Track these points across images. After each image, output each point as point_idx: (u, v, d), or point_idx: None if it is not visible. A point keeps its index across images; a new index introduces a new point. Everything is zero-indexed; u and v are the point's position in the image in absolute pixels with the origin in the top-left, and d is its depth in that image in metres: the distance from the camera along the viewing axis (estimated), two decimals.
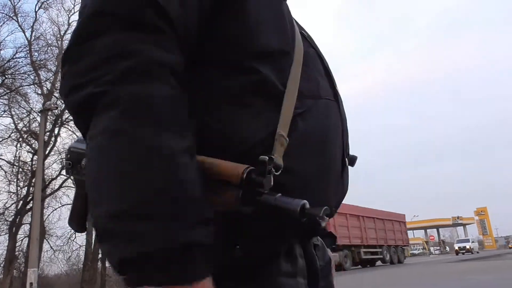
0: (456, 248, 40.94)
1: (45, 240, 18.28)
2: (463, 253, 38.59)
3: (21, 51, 18.72)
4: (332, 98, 0.76)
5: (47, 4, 19.47)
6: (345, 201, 0.88)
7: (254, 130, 0.62)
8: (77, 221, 0.62)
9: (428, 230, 48.62)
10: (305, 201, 0.55)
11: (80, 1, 0.64)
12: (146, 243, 0.46)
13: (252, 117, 0.63)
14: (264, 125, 0.62)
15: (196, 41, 0.62)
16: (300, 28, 0.81)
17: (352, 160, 0.90)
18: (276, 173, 0.58)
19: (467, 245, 40.26)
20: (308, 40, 0.79)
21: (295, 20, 0.82)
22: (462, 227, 45.26)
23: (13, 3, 18.41)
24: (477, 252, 40.29)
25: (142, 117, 0.49)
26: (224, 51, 0.66)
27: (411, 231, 50.60)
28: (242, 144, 0.61)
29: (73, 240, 18.48)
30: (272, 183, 0.56)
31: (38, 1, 19.09)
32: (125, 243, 0.46)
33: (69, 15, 20.23)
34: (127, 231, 0.46)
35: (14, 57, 18.29)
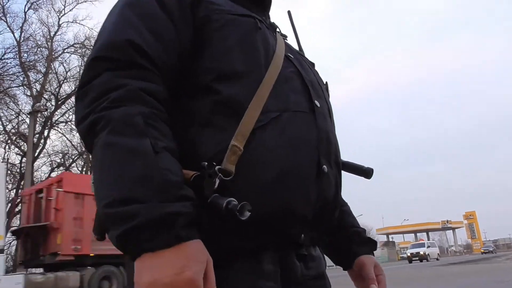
0: (409, 254, 32.94)
1: None
2: (420, 261, 30.69)
3: (9, 52, 18.58)
4: (305, 110, 0.82)
5: (37, 4, 19.37)
6: None
7: (213, 145, 0.73)
8: (99, 230, 0.71)
9: (418, 234, 49.04)
10: (241, 202, 0.64)
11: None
12: (134, 219, 0.58)
13: (213, 134, 0.74)
14: (223, 139, 0.72)
15: (179, 73, 0.78)
16: (288, 50, 0.91)
17: (367, 172, 1.01)
18: (226, 178, 0.68)
19: (421, 251, 31.73)
20: (292, 61, 0.89)
21: (287, 44, 0.96)
22: (451, 231, 45.77)
23: (1, 3, 18.22)
24: (437, 259, 31.78)
25: (125, 130, 0.64)
26: (192, 77, 0.79)
27: (401, 234, 51.01)
28: (203, 158, 0.71)
29: None
30: (215, 186, 0.67)
31: (27, 2, 18.97)
32: (119, 223, 0.59)
33: (59, 16, 20.14)
34: (119, 213, 0.59)
35: (3, 58, 18.15)
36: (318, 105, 0.85)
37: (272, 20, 1.01)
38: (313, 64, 1.06)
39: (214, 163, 0.68)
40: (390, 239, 49.67)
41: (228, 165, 0.70)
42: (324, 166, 0.80)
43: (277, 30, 1.00)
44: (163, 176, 0.61)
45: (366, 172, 1.01)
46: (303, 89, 0.85)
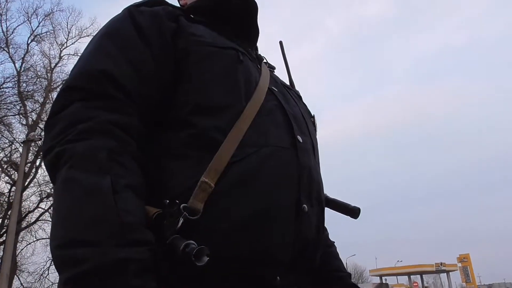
0: None
1: (16, 276, 17.41)
2: None
3: (9, 81, 18.67)
4: (286, 146, 0.78)
5: (40, 37, 19.68)
6: None
7: (184, 180, 0.69)
8: None
9: (412, 276, 48.05)
10: (208, 243, 0.60)
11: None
12: (84, 264, 0.54)
13: (185, 168, 0.70)
14: (194, 174, 0.68)
15: (157, 105, 0.75)
16: (273, 83, 0.88)
17: (354, 211, 0.95)
18: (192, 217, 0.63)
19: None
20: (275, 95, 0.85)
21: (272, 77, 0.92)
22: (445, 274, 44.95)
23: (5, 35, 18.56)
24: None
25: (86, 166, 0.61)
26: (168, 109, 0.76)
27: (395, 276, 49.94)
28: (172, 193, 0.67)
29: (46, 277, 17.65)
30: (178, 226, 0.62)
31: (31, 34, 19.30)
32: (68, 267, 0.55)
33: (61, 49, 20.45)
34: (69, 257, 0.55)
35: (1, 87, 18.21)
36: (301, 141, 0.81)
37: (263, 51, 1.01)
38: (300, 97, 1.03)
39: (177, 201, 0.64)
40: (384, 281, 48.57)
41: (196, 203, 0.65)
42: (305, 205, 0.76)
43: (264, 61, 0.98)
44: (119, 218, 0.58)
45: (353, 211, 0.96)
46: (286, 124, 0.82)
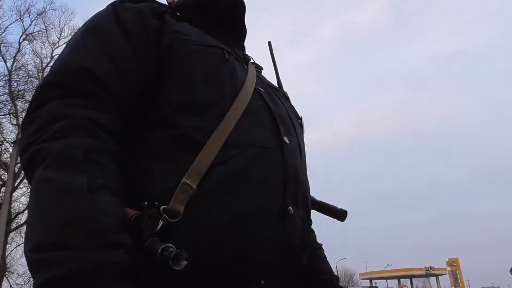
0: None
1: (5, 277, 17.18)
2: None
3: (0, 81, 18.47)
4: (272, 146, 0.76)
5: (32, 36, 19.52)
6: None
7: (165, 181, 0.67)
8: None
9: (401, 280, 48.25)
10: (188, 247, 0.59)
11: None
12: (58, 268, 0.52)
13: (167, 169, 0.68)
14: (176, 176, 0.66)
15: (139, 103, 0.73)
16: (259, 83, 0.87)
17: (341, 214, 0.93)
18: (172, 219, 0.62)
19: None
20: (261, 95, 0.84)
21: (259, 77, 0.90)
22: (434, 277, 45.23)
23: None
24: None
25: (62, 165, 0.59)
26: (152, 108, 0.74)
27: (385, 280, 50.09)
28: (153, 195, 0.65)
29: None
30: (157, 228, 0.61)
31: (23, 33, 19.13)
32: (41, 272, 0.53)
33: (53, 48, 20.28)
34: (43, 260, 0.53)
35: None
36: (287, 142, 0.79)
37: (256, 56, 0.98)
38: (287, 98, 1.02)
39: (156, 203, 0.62)
40: (374, 284, 48.73)
41: (176, 205, 0.63)
42: (290, 207, 0.74)
43: (252, 61, 0.96)
44: (96, 220, 0.56)
45: (339, 214, 0.94)
46: (272, 124, 0.80)
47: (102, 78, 0.69)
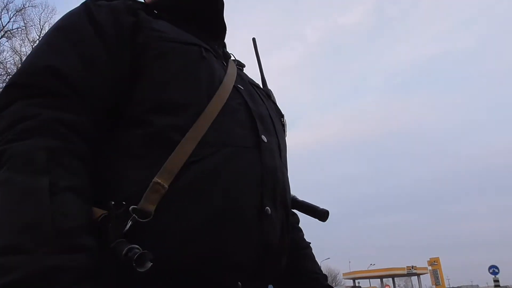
0: None
1: None
2: None
3: None
4: (249, 145, 0.75)
5: (11, 33, 19.06)
6: None
7: (137, 181, 0.65)
8: None
9: (384, 279, 48.92)
10: (158, 248, 0.58)
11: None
12: (12, 273, 0.50)
13: (139, 168, 0.67)
14: (147, 175, 0.64)
15: (112, 102, 0.71)
16: (239, 81, 0.86)
17: (322, 214, 0.91)
18: (142, 220, 0.60)
19: None
20: (240, 93, 0.83)
21: (239, 74, 0.89)
22: (416, 276, 45.97)
23: None
24: None
25: (23, 167, 0.57)
26: (125, 106, 0.72)
27: (367, 279, 50.71)
28: (121, 193, 0.64)
29: None
30: (125, 229, 0.59)
31: (1, 30, 18.67)
32: None
33: (33, 46, 19.85)
34: (0, 264, 0.51)
35: None
36: (265, 140, 0.78)
37: (240, 55, 0.96)
38: (269, 96, 1.00)
39: (124, 203, 0.61)
40: (357, 284, 49.25)
41: (146, 205, 0.61)
42: (267, 207, 0.72)
43: (232, 59, 0.95)
44: (54, 222, 0.54)
45: (321, 214, 0.92)
46: (250, 123, 0.79)
47: (71, 76, 0.67)
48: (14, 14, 18.53)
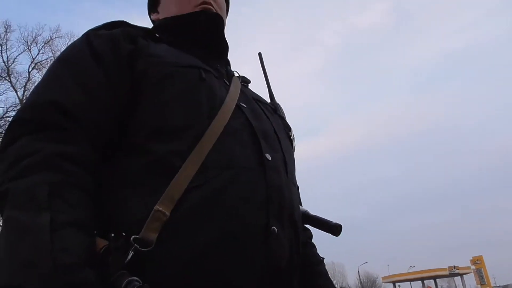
0: None
1: None
2: None
3: (11, 110, 18.81)
4: (252, 166, 0.73)
5: (41, 64, 19.92)
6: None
7: (137, 209, 0.65)
8: None
9: (425, 281, 47.42)
10: (161, 278, 0.58)
11: None
12: None
13: (139, 196, 0.66)
14: (148, 203, 0.64)
15: (114, 130, 0.73)
16: (242, 99, 0.85)
17: (335, 228, 0.87)
18: (144, 249, 0.59)
19: None
20: (243, 111, 0.82)
21: (243, 92, 0.88)
22: (459, 277, 44.34)
23: (6, 64, 18.84)
24: None
25: (25, 204, 0.58)
26: (127, 133, 0.73)
27: (408, 282, 49.24)
28: (122, 224, 0.63)
29: None
30: (126, 260, 0.58)
31: (32, 62, 19.56)
32: None
33: None
34: None
35: (4, 116, 18.38)
36: (269, 159, 0.76)
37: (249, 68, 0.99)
38: (275, 110, 0.99)
39: (124, 233, 0.60)
40: (397, 287, 47.95)
41: (148, 234, 0.61)
42: (274, 227, 0.70)
43: (237, 75, 0.94)
44: (53, 259, 0.53)
45: (333, 229, 0.88)
46: (252, 142, 0.77)
47: (72, 110, 0.68)
48: (42, 46, 19.41)
